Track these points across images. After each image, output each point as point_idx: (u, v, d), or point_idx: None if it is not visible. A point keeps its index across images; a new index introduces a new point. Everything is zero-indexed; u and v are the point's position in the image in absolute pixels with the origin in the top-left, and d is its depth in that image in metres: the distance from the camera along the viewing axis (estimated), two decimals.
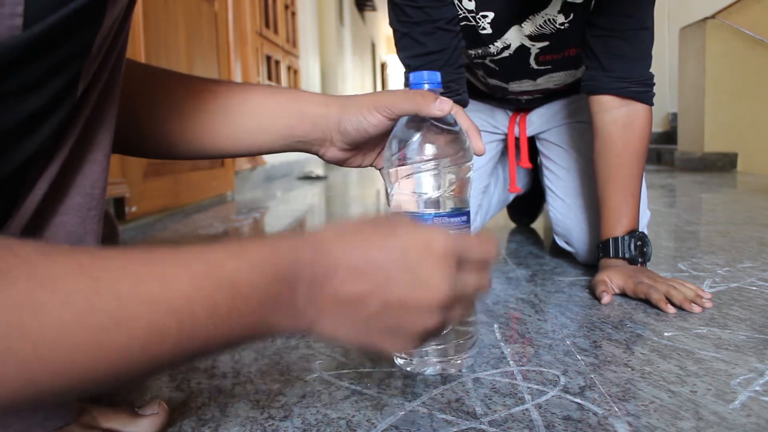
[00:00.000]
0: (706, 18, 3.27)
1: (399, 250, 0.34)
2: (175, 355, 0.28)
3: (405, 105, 0.54)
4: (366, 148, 0.61)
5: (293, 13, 4.31)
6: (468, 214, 0.57)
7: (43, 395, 0.24)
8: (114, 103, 0.41)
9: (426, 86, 0.56)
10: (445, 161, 0.54)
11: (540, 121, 1.16)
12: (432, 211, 0.55)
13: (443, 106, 0.53)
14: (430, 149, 0.54)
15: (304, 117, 0.57)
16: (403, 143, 0.55)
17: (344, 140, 0.57)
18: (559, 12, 0.88)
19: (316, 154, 0.60)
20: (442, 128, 0.55)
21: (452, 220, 0.55)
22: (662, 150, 3.95)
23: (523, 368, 0.60)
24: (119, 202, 1.65)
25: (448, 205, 0.55)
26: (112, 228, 0.56)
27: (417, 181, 0.54)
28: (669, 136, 4.44)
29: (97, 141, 0.40)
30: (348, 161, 0.61)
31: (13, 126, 0.32)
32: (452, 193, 0.55)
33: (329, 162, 0.61)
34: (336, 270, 0.33)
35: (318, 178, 3.59)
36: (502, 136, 1.21)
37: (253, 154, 0.60)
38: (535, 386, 0.55)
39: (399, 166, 0.55)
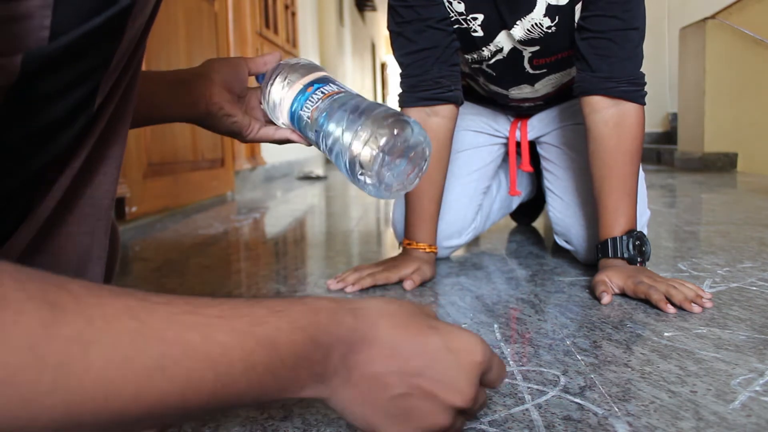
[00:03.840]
0: (706, 18, 3.28)
1: (441, 345, 0.35)
2: (208, 405, 0.28)
3: (250, 64, 0.65)
4: (242, 102, 0.66)
5: (293, 14, 4.31)
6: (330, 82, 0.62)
7: (83, 428, 0.25)
8: (128, 118, 0.42)
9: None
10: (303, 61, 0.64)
11: (541, 125, 1.17)
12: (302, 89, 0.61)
13: (267, 58, 0.64)
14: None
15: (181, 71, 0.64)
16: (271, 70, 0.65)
17: (221, 75, 0.63)
18: (545, 16, 0.89)
19: (207, 110, 0.62)
20: None
21: (324, 87, 0.60)
22: (662, 150, 3.95)
23: (523, 368, 0.60)
24: (119, 203, 1.65)
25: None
26: (113, 233, 0.56)
27: (287, 75, 0.63)
28: (669, 136, 4.44)
29: (110, 153, 0.41)
30: (233, 112, 0.64)
31: (33, 134, 0.33)
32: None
33: (215, 118, 0.64)
34: (375, 342, 0.34)
35: (318, 178, 3.59)
36: (504, 140, 1.21)
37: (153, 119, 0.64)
38: (535, 386, 0.55)
39: (271, 77, 0.63)
